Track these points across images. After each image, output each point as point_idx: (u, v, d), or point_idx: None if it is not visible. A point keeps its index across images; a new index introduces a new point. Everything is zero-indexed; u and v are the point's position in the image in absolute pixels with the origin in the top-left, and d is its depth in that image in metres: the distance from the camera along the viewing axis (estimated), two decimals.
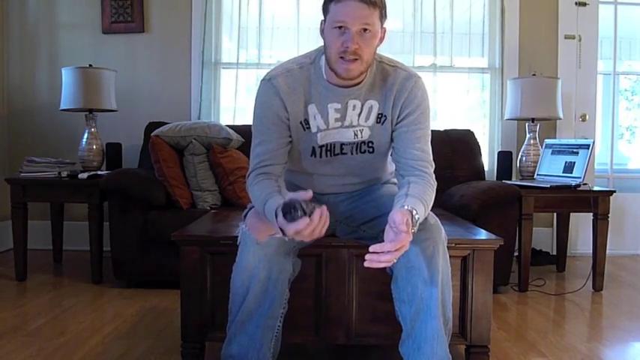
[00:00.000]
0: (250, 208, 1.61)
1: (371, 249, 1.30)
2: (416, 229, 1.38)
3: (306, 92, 1.54)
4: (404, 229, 1.30)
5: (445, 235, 1.54)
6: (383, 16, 1.44)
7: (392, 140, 1.60)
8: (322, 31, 1.48)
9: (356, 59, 1.42)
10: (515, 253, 2.95)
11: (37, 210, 3.35)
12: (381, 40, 1.48)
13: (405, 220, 1.32)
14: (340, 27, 1.40)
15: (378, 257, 1.30)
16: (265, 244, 1.49)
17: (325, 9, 1.45)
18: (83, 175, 2.92)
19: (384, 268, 1.58)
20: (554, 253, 3.50)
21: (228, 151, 2.97)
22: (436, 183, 1.56)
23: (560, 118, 3.32)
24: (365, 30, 1.40)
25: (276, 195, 1.45)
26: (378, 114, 1.56)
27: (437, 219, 1.56)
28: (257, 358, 1.53)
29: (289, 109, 1.54)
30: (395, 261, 1.33)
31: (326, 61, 1.49)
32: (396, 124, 1.57)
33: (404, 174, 1.55)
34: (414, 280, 1.47)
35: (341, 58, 1.42)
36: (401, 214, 1.33)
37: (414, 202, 1.41)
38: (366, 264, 1.30)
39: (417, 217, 1.37)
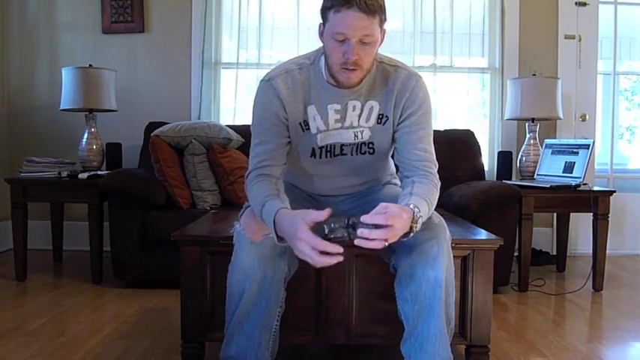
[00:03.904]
0: (246, 208, 1.61)
1: (360, 233, 1.30)
2: (419, 227, 1.38)
3: (305, 93, 1.54)
4: (387, 222, 1.29)
5: (449, 234, 1.54)
6: (383, 21, 1.43)
7: (393, 141, 1.60)
8: (321, 34, 1.47)
9: (356, 69, 1.42)
10: (515, 253, 2.95)
11: (37, 210, 3.35)
12: (381, 41, 1.48)
13: (398, 215, 1.30)
14: (340, 38, 1.39)
15: (367, 243, 1.30)
16: (260, 244, 1.49)
17: (324, 16, 1.43)
18: (83, 175, 2.92)
19: (388, 267, 1.58)
20: (554, 253, 3.50)
21: (228, 151, 2.97)
22: (440, 183, 1.56)
23: (560, 118, 3.32)
24: (365, 40, 1.39)
25: (274, 198, 1.44)
26: (379, 115, 1.56)
27: (441, 218, 1.55)
28: (255, 358, 1.53)
29: (288, 110, 1.54)
30: (386, 244, 1.32)
31: (326, 67, 1.49)
32: (398, 124, 1.56)
33: (408, 174, 1.55)
34: (418, 279, 1.46)
35: (343, 68, 1.42)
36: (401, 209, 1.33)
37: (417, 201, 1.41)
38: (356, 242, 1.30)
39: (419, 215, 1.37)
